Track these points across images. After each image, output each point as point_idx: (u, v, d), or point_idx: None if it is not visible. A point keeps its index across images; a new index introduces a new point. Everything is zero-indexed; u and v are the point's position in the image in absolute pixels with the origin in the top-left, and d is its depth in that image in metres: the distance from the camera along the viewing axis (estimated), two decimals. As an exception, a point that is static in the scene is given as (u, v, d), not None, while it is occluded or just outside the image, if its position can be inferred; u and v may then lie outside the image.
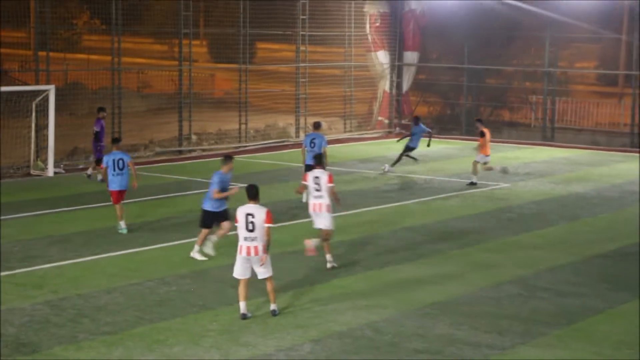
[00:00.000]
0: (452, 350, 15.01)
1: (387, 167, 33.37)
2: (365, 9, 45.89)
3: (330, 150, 34.22)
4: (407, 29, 47.13)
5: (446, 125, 46.93)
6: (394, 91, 47.58)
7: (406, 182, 31.30)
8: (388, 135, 45.83)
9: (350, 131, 45.58)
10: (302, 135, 42.00)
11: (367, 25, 46.03)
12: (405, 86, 47.74)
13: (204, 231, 20.71)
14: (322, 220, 20.15)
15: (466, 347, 15.17)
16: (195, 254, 20.79)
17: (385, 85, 47.15)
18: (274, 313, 16.64)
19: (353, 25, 45.16)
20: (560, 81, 46.21)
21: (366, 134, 45.99)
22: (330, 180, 20.02)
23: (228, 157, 20.87)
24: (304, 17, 42.61)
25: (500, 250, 22.25)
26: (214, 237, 20.77)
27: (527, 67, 46.29)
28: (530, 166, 36.12)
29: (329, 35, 44.64)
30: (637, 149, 41.94)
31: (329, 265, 20.09)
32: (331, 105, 45.13)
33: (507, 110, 47.02)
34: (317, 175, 20.19)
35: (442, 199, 28.54)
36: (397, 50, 47.20)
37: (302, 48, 43.02)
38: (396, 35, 47.06)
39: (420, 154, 34.30)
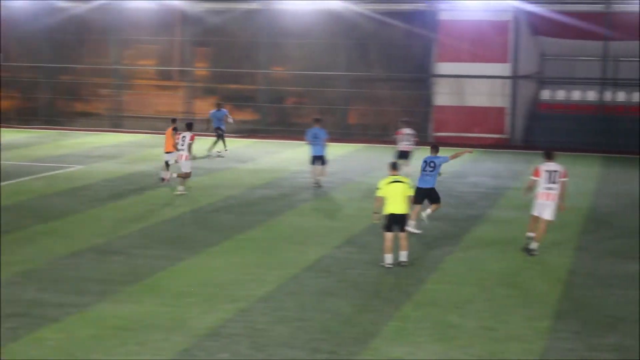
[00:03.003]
0: (39, 311, 14.72)
1: None
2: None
3: None
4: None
5: (26, 117, 45.62)
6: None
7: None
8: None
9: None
10: None
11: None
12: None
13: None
14: None
15: (51, 307, 14.93)
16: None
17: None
18: None
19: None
20: (126, 76, 46.42)
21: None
22: None
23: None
24: None
25: (73, 222, 21.93)
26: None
27: (98, 64, 46.02)
28: (102, 150, 35.96)
29: None
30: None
31: None
32: None
33: (81, 103, 46.52)
34: None
35: (28, 181, 27.75)
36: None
37: None
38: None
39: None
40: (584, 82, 42.17)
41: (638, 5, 39.07)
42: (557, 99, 42.51)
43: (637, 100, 41.63)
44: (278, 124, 43.40)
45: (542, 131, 40.51)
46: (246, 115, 45.61)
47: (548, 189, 19.15)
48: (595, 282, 17.13)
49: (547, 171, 19.20)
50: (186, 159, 25.96)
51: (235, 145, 38.52)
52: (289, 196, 26.39)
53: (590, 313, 15.11)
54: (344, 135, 41.91)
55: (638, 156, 36.99)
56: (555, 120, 40.97)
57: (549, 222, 19.22)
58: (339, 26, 42.41)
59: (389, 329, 14.16)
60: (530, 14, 40.24)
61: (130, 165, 31.99)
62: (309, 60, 43.56)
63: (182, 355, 12.87)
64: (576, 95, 42.44)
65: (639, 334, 14.12)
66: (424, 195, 21.02)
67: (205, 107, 45.94)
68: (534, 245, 19.26)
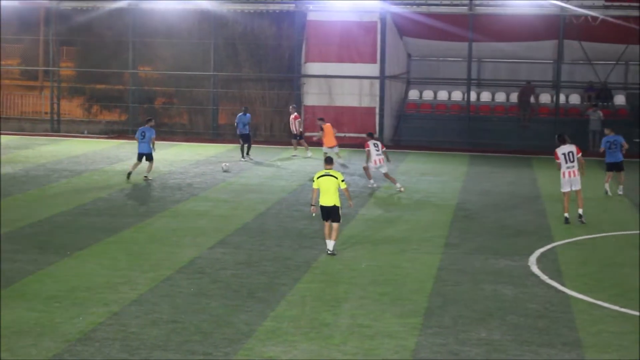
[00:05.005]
0: None
1: None
2: None
3: None
4: None
5: None
6: None
7: None
8: None
9: None
10: None
11: None
12: None
13: None
14: None
15: None
16: None
17: None
18: None
19: None
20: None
21: None
22: None
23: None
24: None
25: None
26: None
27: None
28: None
29: None
30: (57, 133, 42.31)
31: None
32: None
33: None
34: None
35: None
36: None
37: None
38: None
39: None
40: (450, 83, 43.14)
41: (498, 8, 40.18)
42: (424, 99, 43.36)
43: (502, 100, 42.83)
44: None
45: (410, 131, 41.26)
46: (114, 116, 44.96)
47: (569, 168, 22.63)
48: (464, 278, 17.53)
49: (563, 154, 22.61)
50: (381, 162, 27.89)
51: (104, 147, 37.93)
52: (159, 197, 26.13)
53: (460, 308, 15.45)
54: (214, 135, 41.80)
55: (503, 154, 38.05)
56: (422, 119, 41.79)
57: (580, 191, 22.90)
58: (208, 26, 42.19)
59: (264, 328, 14.17)
60: (396, 15, 40.88)
61: (-6, 167, 31.11)
62: (178, 60, 43.20)
63: (53, 361, 12.60)
64: (442, 95, 43.38)
65: (506, 329, 14.53)
66: (613, 167, 26.96)
67: (70, 108, 45.13)
68: (580, 211, 22.94)
